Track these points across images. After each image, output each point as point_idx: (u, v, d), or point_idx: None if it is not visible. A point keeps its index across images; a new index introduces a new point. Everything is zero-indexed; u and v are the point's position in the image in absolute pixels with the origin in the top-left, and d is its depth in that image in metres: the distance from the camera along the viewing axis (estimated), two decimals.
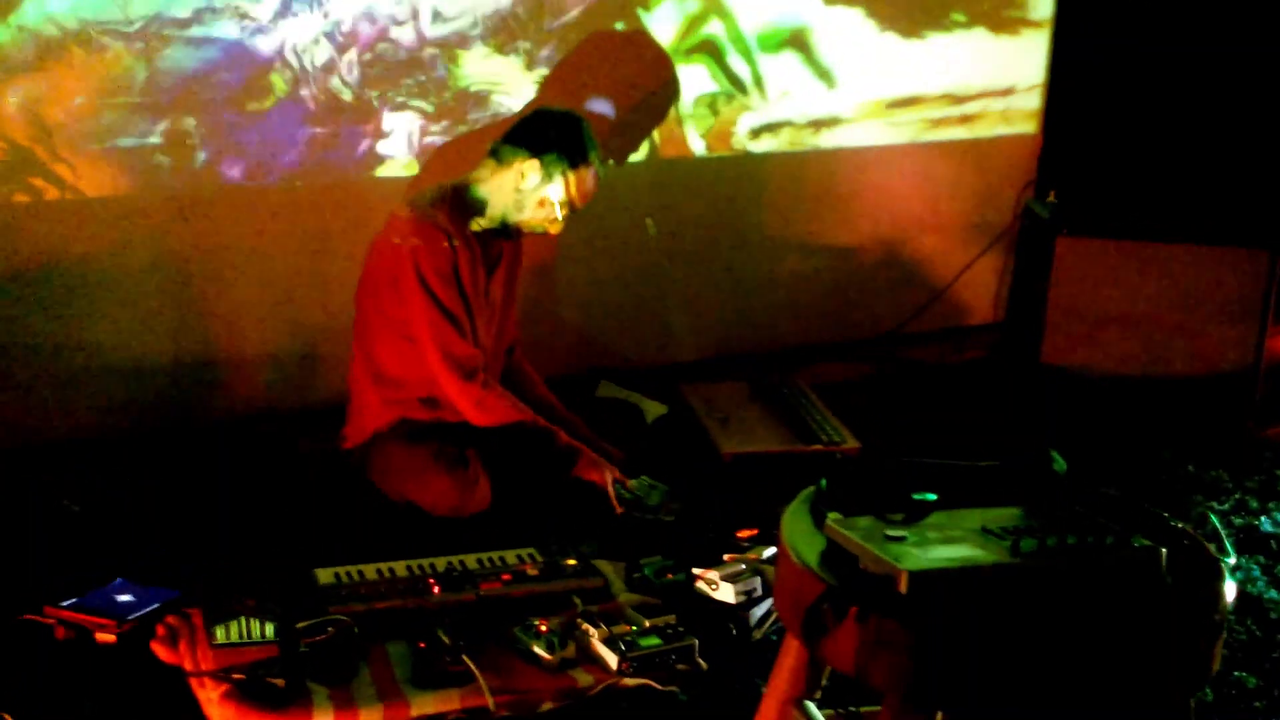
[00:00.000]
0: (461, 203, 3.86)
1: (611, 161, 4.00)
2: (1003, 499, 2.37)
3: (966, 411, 4.85)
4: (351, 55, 4.47)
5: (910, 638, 2.08)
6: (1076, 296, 4.73)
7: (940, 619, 2.07)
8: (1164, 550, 2.22)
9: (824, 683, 2.45)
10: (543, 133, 3.84)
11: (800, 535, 2.32)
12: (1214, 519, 3.97)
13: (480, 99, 4.70)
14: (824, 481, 2.43)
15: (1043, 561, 2.16)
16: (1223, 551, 3.65)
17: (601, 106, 4.89)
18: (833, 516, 2.26)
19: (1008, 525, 2.25)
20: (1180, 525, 2.40)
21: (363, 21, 4.47)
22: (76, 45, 4.09)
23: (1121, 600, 2.16)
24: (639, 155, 5.07)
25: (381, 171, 4.62)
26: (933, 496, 2.31)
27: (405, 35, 4.54)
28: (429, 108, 4.62)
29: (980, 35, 5.50)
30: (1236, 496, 4.23)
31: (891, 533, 2.20)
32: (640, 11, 4.92)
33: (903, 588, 2.08)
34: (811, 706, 2.40)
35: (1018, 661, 2.10)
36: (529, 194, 3.83)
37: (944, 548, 2.17)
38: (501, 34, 4.68)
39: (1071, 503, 2.32)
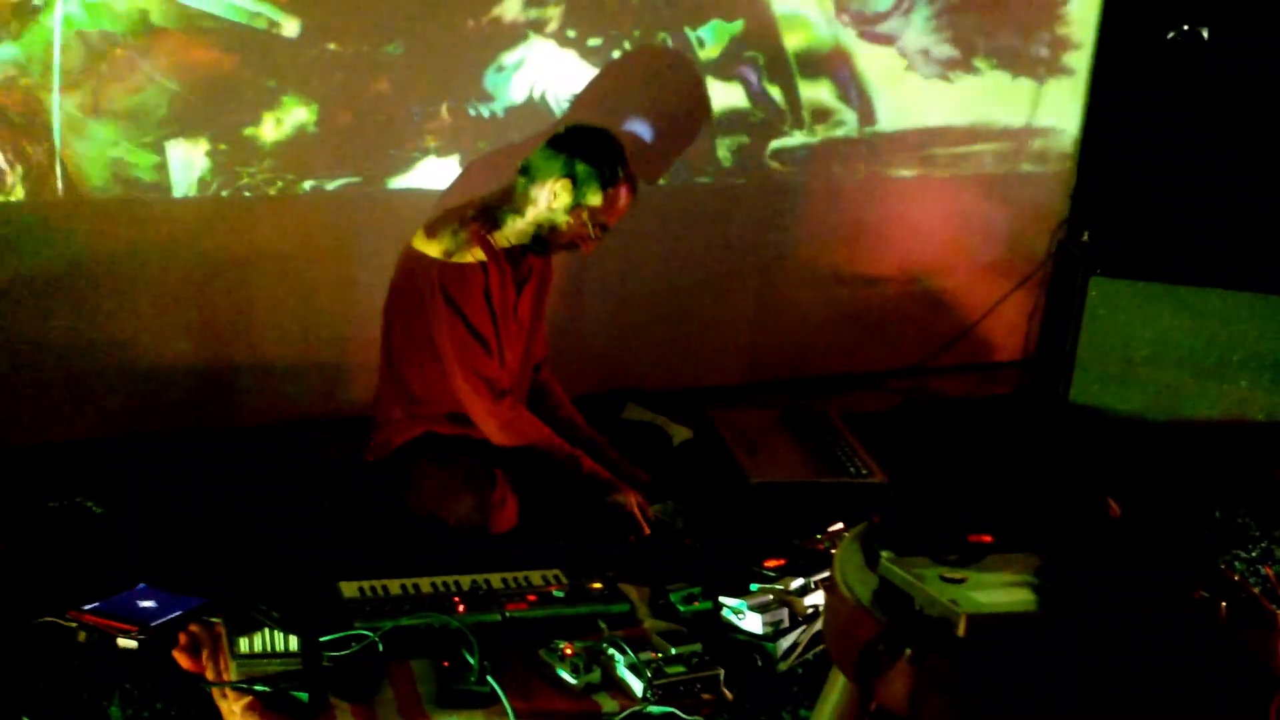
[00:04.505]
0: (492, 219, 3.82)
1: (642, 181, 3.98)
2: (1057, 543, 2.33)
3: (993, 448, 4.80)
4: (387, 62, 4.44)
5: (967, 681, 2.05)
6: (1107, 337, 4.71)
7: (998, 664, 2.04)
8: (1223, 603, 2.18)
9: None
10: (577, 149, 3.79)
11: (853, 572, 2.29)
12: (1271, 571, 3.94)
13: (516, 112, 4.66)
14: (876, 518, 2.39)
15: (1101, 610, 2.13)
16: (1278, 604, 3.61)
17: (634, 125, 4.86)
18: (886, 555, 2.23)
19: (1065, 571, 2.22)
20: (1238, 577, 2.37)
21: (397, 32, 4.44)
22: (102, 49, 4.06)
23: (1180, 651, 2.13)
24: (669, 176, 5.03)
25: (413, 182, 4.58)
26: (988, 539, 2.28)
27: (442, 44, 4.51)
28: (464, 119, 4.59)
29: (1016, 75, 5.48)
30: (1264, 545, 4.19)
31: (948, 574, 2.17)
32: (686, 29, 4.89)
33: (961, 631, 2.05)
34: None
35: (1073, 710, 2.07)
36: (561, 211, 3.78)
37: (1002, 592, 2.14)
38: (543, 47, 4.65)
39: (1132, 551, 2.29)
